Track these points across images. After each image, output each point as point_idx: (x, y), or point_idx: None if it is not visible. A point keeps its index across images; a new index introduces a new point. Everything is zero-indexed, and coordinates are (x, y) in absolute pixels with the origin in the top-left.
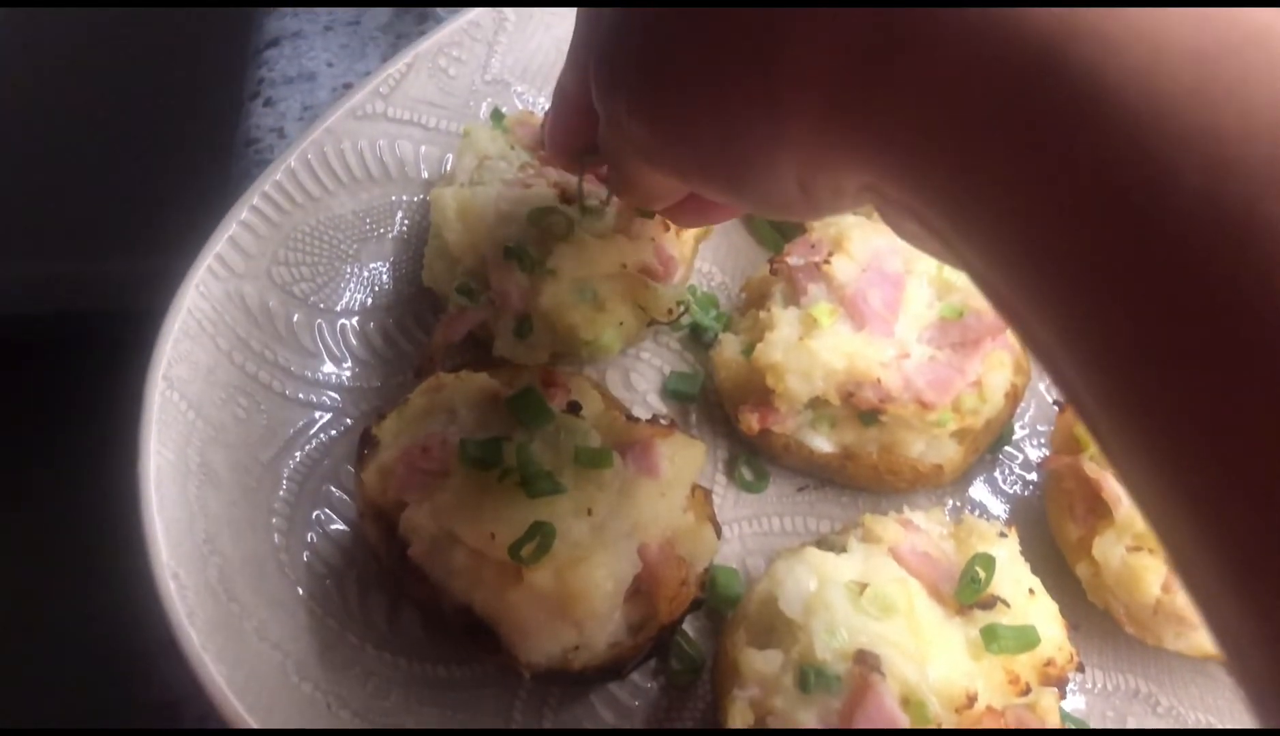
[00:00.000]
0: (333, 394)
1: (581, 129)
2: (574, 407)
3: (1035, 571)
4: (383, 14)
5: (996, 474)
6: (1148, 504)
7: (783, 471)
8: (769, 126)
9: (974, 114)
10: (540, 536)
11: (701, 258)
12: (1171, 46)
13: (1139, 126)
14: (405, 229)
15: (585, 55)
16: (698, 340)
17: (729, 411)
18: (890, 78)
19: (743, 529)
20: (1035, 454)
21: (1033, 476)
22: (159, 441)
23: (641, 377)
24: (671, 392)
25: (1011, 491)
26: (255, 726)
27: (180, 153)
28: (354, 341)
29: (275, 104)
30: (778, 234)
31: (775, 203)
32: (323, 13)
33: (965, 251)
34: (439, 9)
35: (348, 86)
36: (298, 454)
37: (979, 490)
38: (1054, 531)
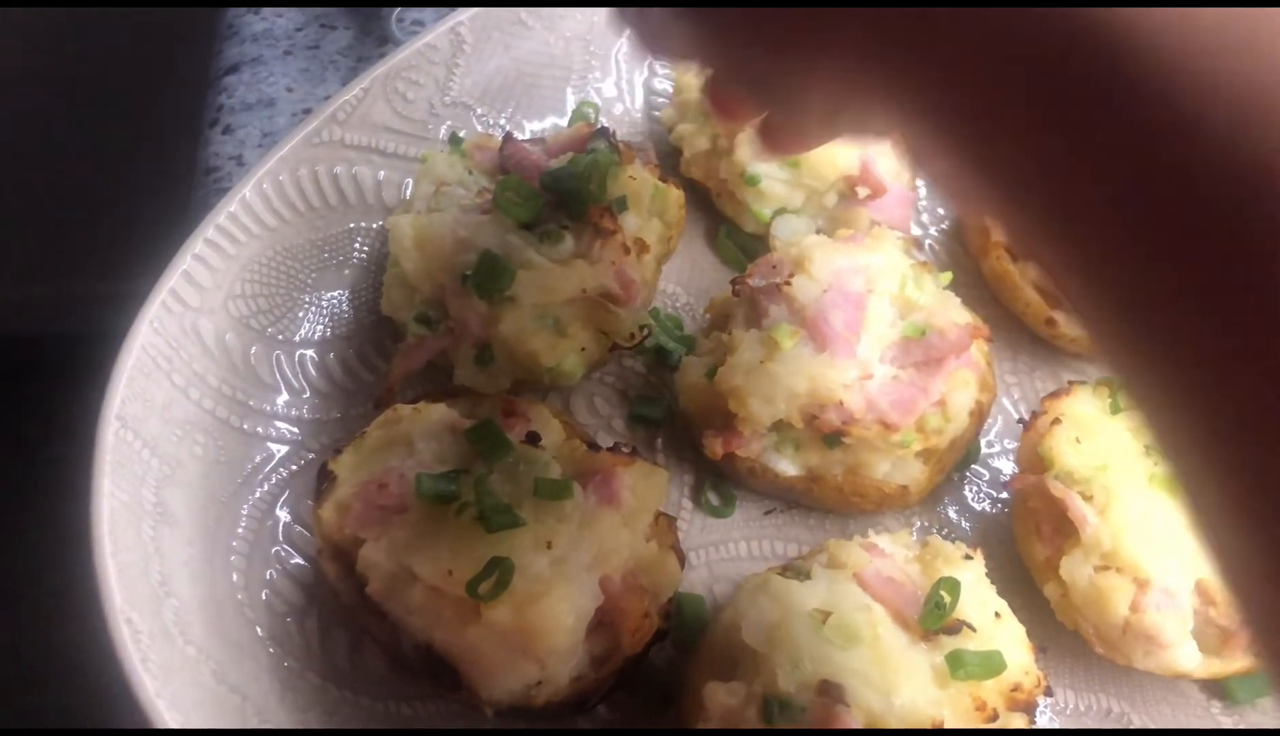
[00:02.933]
0: (292, 427)
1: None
2: (533, 438)
3: (1004, 591)
4: (343, 37)
5: (965, 492)
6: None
7: (749, 495)
8: (814, 37)
9: (1011, 58)
10: (499, 572)
11: (665, 279)
12: (1202, 15)
13: (1169, 71)
14: (364, 256)
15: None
16: (663, 362)
17: (694, 435)
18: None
19: (709, 554)
20: (1004, 468)
21: (1003, 494)
22: (113, 482)
23: (606, 402)
24: (636, 417)
25: (980, 509)
26: None
27: (140, 180)
28: (313, 373)
29: (235, 131)
30: (742, 253)
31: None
32: (282, 37)
33: (991, 192)
34: (398, 34)
35: (308, 112)
36: (257, 490)
37: (947, 509)
38: (1021, 551)
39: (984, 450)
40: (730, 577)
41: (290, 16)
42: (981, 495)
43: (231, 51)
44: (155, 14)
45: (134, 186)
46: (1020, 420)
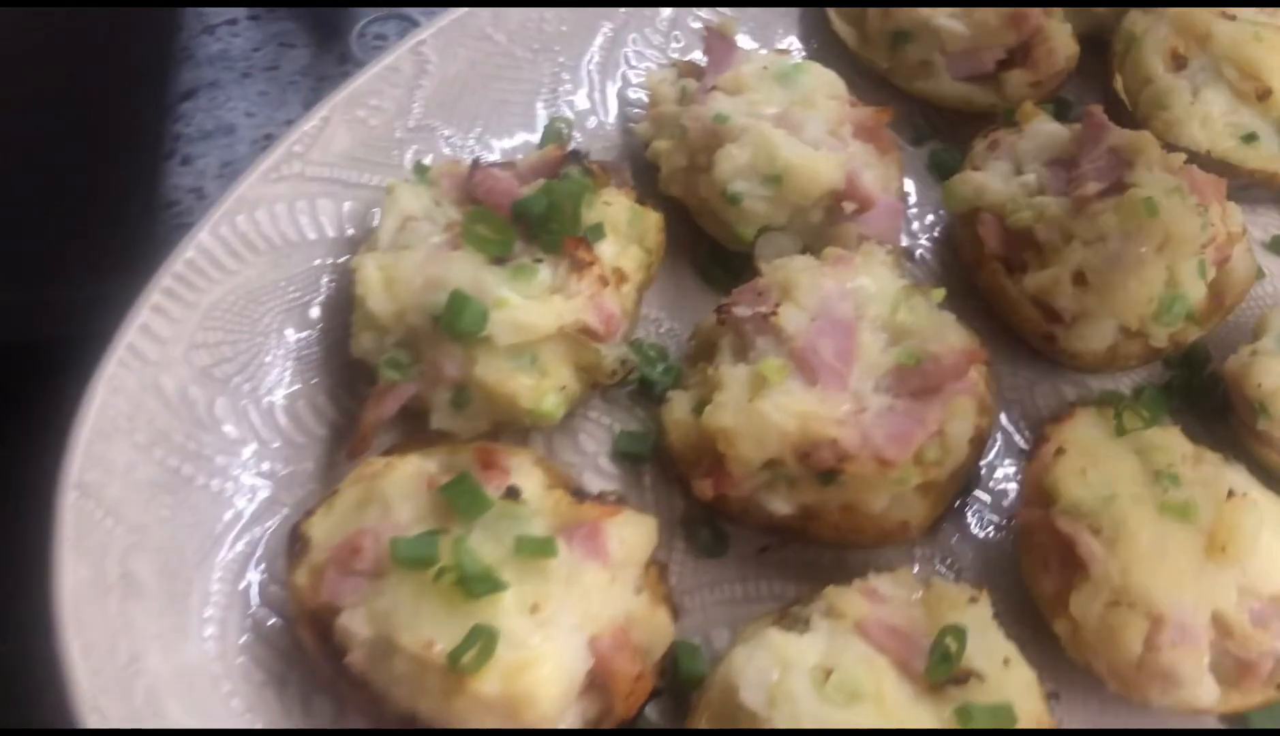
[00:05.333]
0: (263, 482)
1: None
2: (513, 493)
3: (1013, 622)
4: (302, 56)
5: (968, 519)
6: None
7: (744, 530)
8: None
9: None
10: (482, 641)
11: (649, 304)
12: None
13: None
14: (333, 293)
15: None
16: (648, 393)
17: (683, 473)
18: None
19: (704, 597)
20: (1007, 490)
21: (1008, 517)
22: (74, 557)
23: (591, 438)
24: (622, 454)
25: (983, 537)
26: None
27: (98, 217)
28: (284, 422)
29: (193, 161)
30: (726, 273)
31: None
32: (239, 59)
33: None
34: (358, 52)
35: (269, 138)
36: (229, 551)
37: (950, 538)
38: (1029, 586)
39: (985, 472)
40: (727, 621)
41: (247, 36)
42: (985, 521)
43: (187, 76)
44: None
45: (95, 229)
46: (1022, 450)
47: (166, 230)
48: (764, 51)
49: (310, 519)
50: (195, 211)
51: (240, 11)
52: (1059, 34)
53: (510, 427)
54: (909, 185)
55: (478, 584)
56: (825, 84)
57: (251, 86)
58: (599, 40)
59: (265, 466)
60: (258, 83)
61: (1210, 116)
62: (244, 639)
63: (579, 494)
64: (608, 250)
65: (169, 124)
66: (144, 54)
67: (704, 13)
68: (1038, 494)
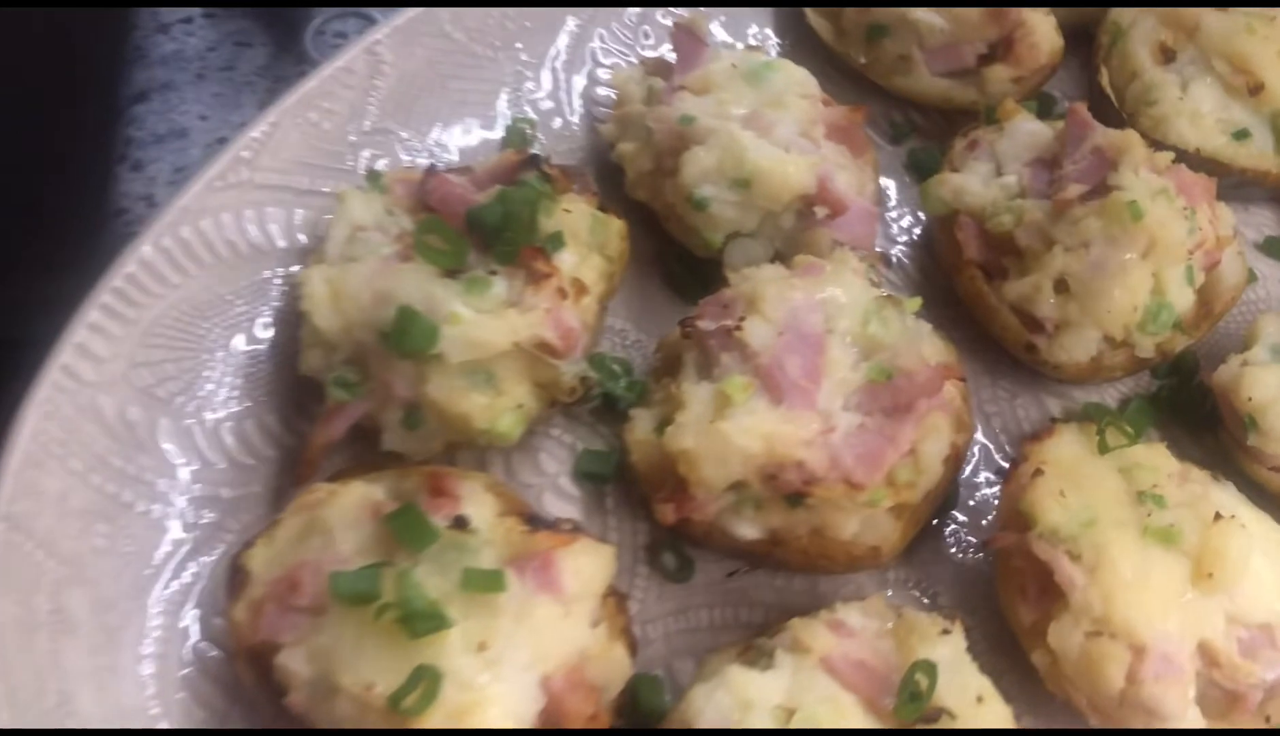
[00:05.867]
0: (207, 508)
1: None
2: (461, 523)
3: (990, 651)
4: (259, 56)
5: (946, 540)
6: None
7: (710, 554)
8: None
9: None
10: (425, 683)
11: (614, 314)
12: None
13: None
14: (283, 307)
15: None
16: (612, 409)
17: (647, 494)
18: None
19: (667, 626)
20: (986, 509)
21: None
22: (0, 593)
23: (552, 458)
24: (584, 474)
25: (961, 559)
26: None
27: (46, 227)
28: (230, 443)
29: (144, 167)
30: (694, 280)
31: None
32: (194, 59)
33: None
34: (313, 52)
35: (223, 142)
36: (170, 582)
37: (925, 561)
38: (1006, 615)
39: (963, 490)
40: (691, 651)
41: (202, 35)
42: (963, 542)
43: (139, 77)
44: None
45: (44, 237)
46: (1002, 467)
47: (116, 240)
48: (738, 46)
49: (250, 550)
50: (145, 219)
51: (195, 10)
52: (1042, 27)
53: (466, 448)
54: (887, 186)
55: (421, 622)
56: (797, 82)
57: (206, 88)
58: (565, 37)
59: (210, 491)
60: (212, 84)
61: (1200, 112)
62: (185, 671)
63: (534, 521)
64: (567, 260)
65: (121, 128)
66: (97, 55)
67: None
68: (1014, 517)
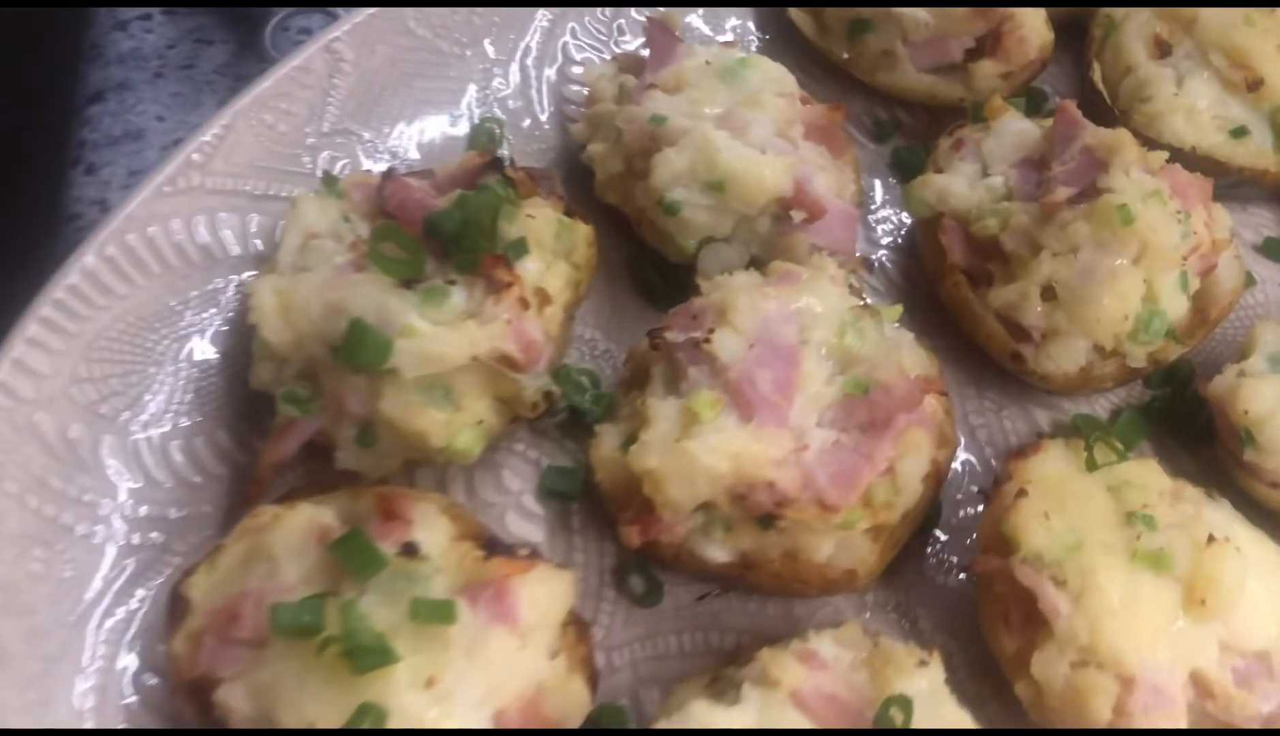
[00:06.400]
0: (153, 531)
1: None
2: (410, 550)
3: (974, 676)
4: (220, 53)
5: (927, 560)
6: None
7: (680, 576)
8: None
9: None
10: (370, 720)
11: (583, 322)
12: None
13: None
14: (235, 317)
15: None
16: (580, 422)
17: (613, 515)
18: None
19: (634, 653)
20: (971, 526)
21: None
22: None
23: (515, 475)
24: (549, 492)
25: (943, 581)
26: None
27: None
28: (179, 461)
29: (98, 170)
30: (668, 286)
31: None
32: (152, 57)
33: None
34: (272, 50)
35: (180, 143)
36: (112, 609)
37: (906, 583)
38: (989, 642)
39: (946, 506)
40: (658, 679)
41: (161, 32)
42: (944, 562)
43: (96, 76)
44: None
45: None
46: (981, 491)
47: (68, 246)
48: (718, 39)
49: (191, 578)
50: (98, 225)
51: (154, 6)
52: (1032, 21)
53: (426, 465)
54: (871, 186)
55: (366, 656)
56: (773, 80)
57: (164, 87)
58: (536, 33)
59: (156, 511)
60: (171, 83)
61: (1196, 109)
62: (127, 702)
63: (491, 546)
64: (531, 268)
65: (75, 129)
66: (51, 53)
67: None
68: (996, 541)
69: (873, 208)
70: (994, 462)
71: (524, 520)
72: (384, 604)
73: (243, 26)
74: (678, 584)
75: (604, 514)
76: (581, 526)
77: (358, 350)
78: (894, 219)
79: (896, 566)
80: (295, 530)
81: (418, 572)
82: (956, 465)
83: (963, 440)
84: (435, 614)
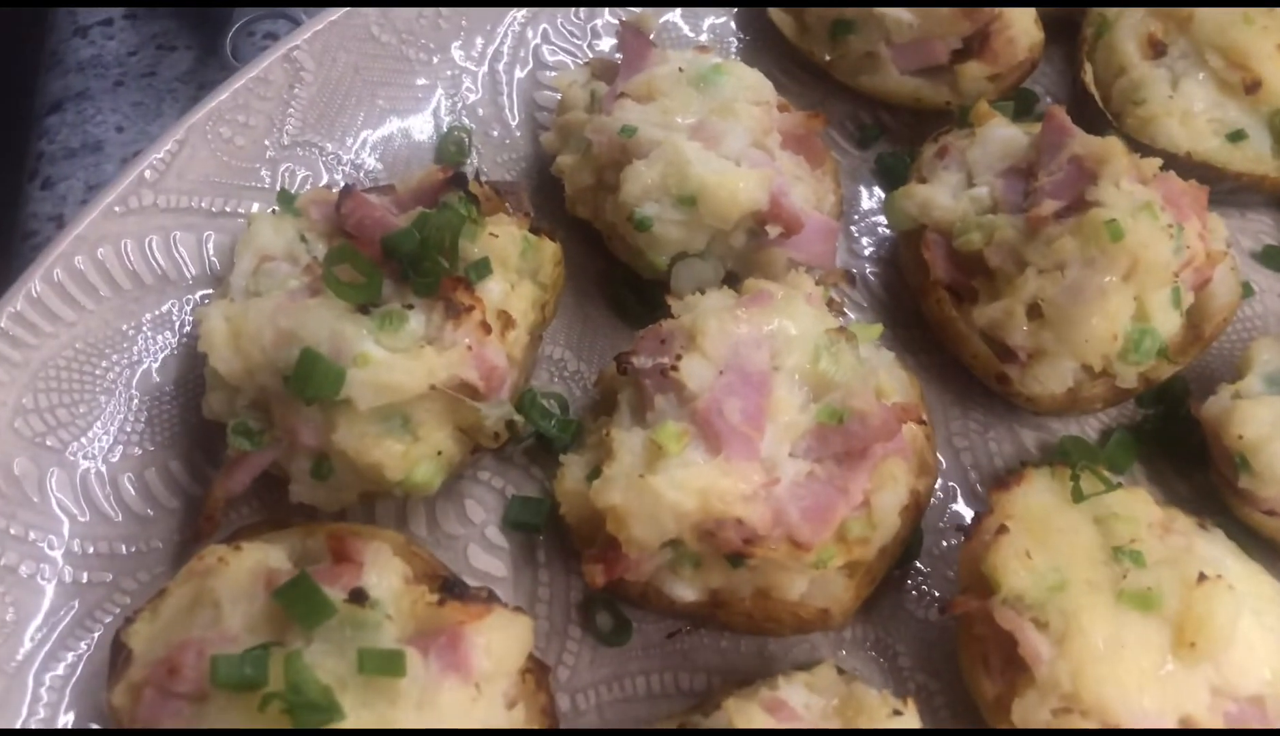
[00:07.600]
0: (102, 569)
1: None
2: (358, 596)
3: (955, 718)
4: (183, 60)
5: (908, 593)
6: None
7: (650, 612)
8: None
9: None
10: None
11: (552, 342)
12: None
13: None
14: (189, 342)
15: None
16: (548, 448)
17: (579, 549)
18: None
19: (600, 695)
20: (953, 552)
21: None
22: None
23: (480, 505)
24: (514, 524)
25: (923, 616)
26: None
27: None
28: (130, 494)
29: (55, 185)
30: (640, 304)
31: None
32: (113, 65)
33: None
34: (233, 59)
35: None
36: (57, 652)
37: (882, 618)
38: (969, 686)
39: (928, 535)
40: (625, 722)
41: (123, 38)
42: (925, 595)
43: (55, 85)
44: None
45: None
46: (960, 527)
47: (23, 265)
48: (699, 38)
49: (133, 625)
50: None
51: (116, 10)
52: (1020, 21)
53: (384, 498)
54: (856, 195)
55: (310, 713)
56: (749, 87)
57: (125, 96)
58: (507, 36)
59: (104, 548)
60: (132, 92)
61: (1192, 112)
62: None
63: (447, 586)
64: (494, 290)
65: (32, 141)
66: (8, 61)
67: None
68: (976, 580)
69: (855, 217)
70: (979, 488)
71: (487, 553)
72: (331, 654)
73: (206, 31)
74: (647, 621)
75: (571, 546)
76: (547, 560)
77: (309, 381)
78: (879, 230)
79: (875, 600)
80: (242, 574)
81: (367, 620)
82: (939, 490)
83: (945, 464)
84: (384, 665)
